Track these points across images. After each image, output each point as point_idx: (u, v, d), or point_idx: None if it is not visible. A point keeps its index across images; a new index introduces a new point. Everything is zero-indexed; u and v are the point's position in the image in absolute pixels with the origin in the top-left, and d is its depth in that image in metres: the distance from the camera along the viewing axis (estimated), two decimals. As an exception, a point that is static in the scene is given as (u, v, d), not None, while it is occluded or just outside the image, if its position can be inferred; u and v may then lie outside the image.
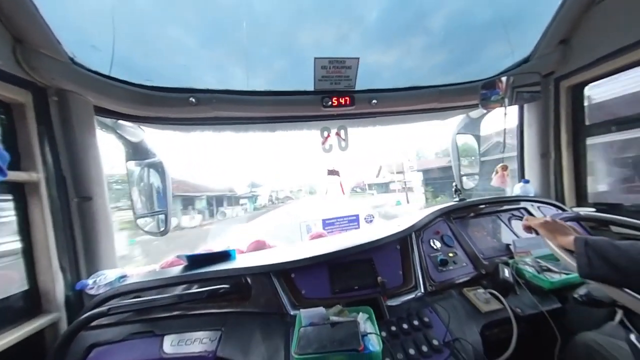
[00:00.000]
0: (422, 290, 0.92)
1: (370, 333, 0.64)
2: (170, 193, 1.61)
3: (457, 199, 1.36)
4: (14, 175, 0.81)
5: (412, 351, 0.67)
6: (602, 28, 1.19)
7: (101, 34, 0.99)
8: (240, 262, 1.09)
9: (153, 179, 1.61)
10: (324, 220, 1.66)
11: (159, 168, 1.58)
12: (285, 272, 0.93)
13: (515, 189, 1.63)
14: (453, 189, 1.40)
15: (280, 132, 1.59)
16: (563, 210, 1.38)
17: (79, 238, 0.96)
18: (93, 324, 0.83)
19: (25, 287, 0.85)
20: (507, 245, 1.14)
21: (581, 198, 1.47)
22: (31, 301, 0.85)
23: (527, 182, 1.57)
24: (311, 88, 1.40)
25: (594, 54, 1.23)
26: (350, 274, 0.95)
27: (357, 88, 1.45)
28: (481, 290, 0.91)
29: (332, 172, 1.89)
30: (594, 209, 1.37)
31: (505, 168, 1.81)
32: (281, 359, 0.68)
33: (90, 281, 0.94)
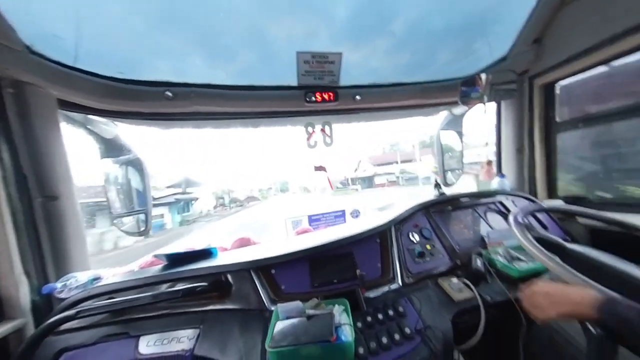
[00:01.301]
0: (400, 282, 0.94)
1: (344, 324, 0.66)
2: (150, 191, 1.55)
3: (437, 193, 1.41)
4: (-35, 174, 0.75)
5: (385, 340, 0.69)
6: (572, 27, 1.25)
7: (63, 20, 0.92)
8: (222, 259, 1.08)
9: (131, 176, 1.54)
10: (310, 216, 1.67)
11: (137, 165, 1.52)
12: (265, 268, 0.93)
13: (492, 183, 1.70)
14: (433, 184, 1.44)
15: (263, 128, 1.56)
16: (534, 202, 1.45)
17: (45, 240, 0.91)
18: (62, 328, 0.80)
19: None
20: (482, 237, 1.19)
21: (552, 191, 1.56)
22: (-8, 307, 0.80)
23: (503, 176, 1.64)
24: (294, 83, 1.38)
25: (565, 53, 1.29)
26: (330, 268, 0.96)
27: (341, 84, 1.45)
28: (455, 280, 0.95)
29: (319, 169, 1.89)
30: (562, 202, 1.45)
31: (490, 163, 1.88)
32: (257, 354, 0.69)
33: (59, 284, 0.89)
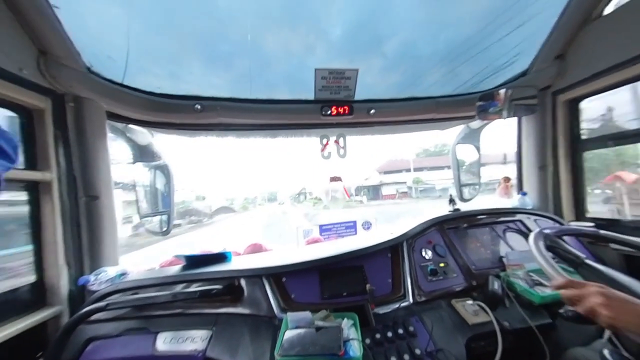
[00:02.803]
0: (411, 300, 0.92)
1: (352, 339, 0.66)
2: (174, 195, 1.67)
3: (451, 209, 1.37)
4: (29, 174, 0.88)
5: (393, 359, 0.68)
6: (598, 44, 1.22)
7: (116, 44, 1.08)
8: (235, 264, 1.12)
9: (158, 180, 1.68)
10: (320, 226, 1.68)
11: (164, 170, 1.65)
12: (277, 275, 0.96)
13: (513, 201, 1.63)
14: (448, 199, 1.41)
15: (280, 139, 1.64)
16: (561, 224, 1.37)
17: (85, 235, 1.02)
18: (92, 318, 0.87)
19: (33, 280, 0.90)
20: (500, 258, 1.14)
21: (580, 212, 1.45)
22: (37, 293, 0.90)
23: (524, 194, 1.56)
24: (311, 97, 1.46)
25: (590, 70, 1.25)
26: (340, 280, 0.96)
27: (356, 98, 1.50)
28: (470, 302, 0.91)
29: (334, 179, 1.92)
30: (592, 224, 1.35)
31: (507, 180, 1.81)
32: (267, 359, 0.70)
33: (92, 277, 0.98)
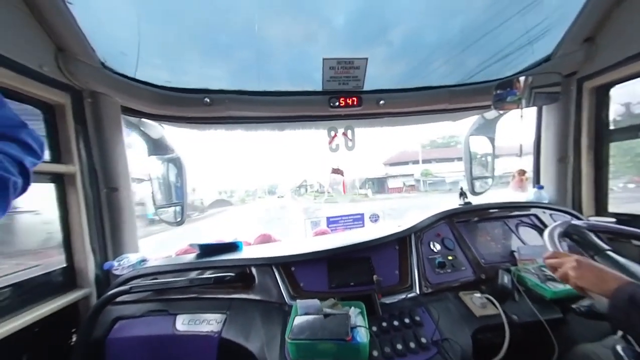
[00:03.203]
0: (417, 291, 0.94)
1: (359, 326, 0.69)
2: (186, 187, 1.73)
3: (462, 203, 1.35)
4: (55, 167, 0.94)
5: (399, 346, 0.70)
6: (632, 25, 1.11)
7: (127, 39, 1.09)
8: (246, 253, 1.17)
9: (172, 173, 1.73)
10: (328, 218, 1.70)
11: (177, 163, 1.71)
12: (286, 265, 0.99)
13: (527, 194, 1.57)
14: (459, 192, 1.38)
15: (288, 131, 1.64)
16: (579, 219, 1.31)
17: (107, 224, 1.09)
18: (118, 300, 0.95)
19: (64, 265, 0.98)
20: (512, 252, 1.12)
21: (601, 207, 1.39)
22: (68, 277, 0.99)
23: (541, 187, 1.50)
24: (319, 88, 1.44)
25: (623, 53, 1.15)
26: (347, 270, 0.99)
27: (365, 88, 1.47)
28: (478, 295, 0.91)
29: (336, 172, 1.92)
30: (614, 220, 1.29)
31: (522, 173, 1.73)
32: (277, 344, 0.75)
33: (115, 263, 1.06)
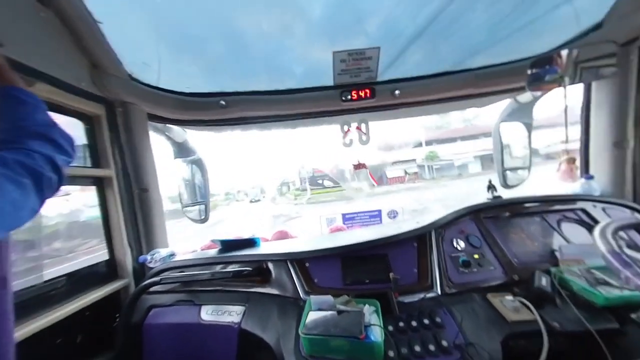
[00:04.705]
0: (439, 291, 0.88)
1: (373, 324, 0.66)
2: (208, 186, 1.84)
3: (490, 197, 1.22)
4: (95, 172, 1.06)
5: (417, 348, 0.67)
6: None
7: (149, 50, 1.18)
8: (264, 249, 1.21)
9: (195, 174, 1.86)
10: (343, 215, 1.68)
11: (199, 164, 1.82)
12: (301, 260, 1.00)
13: (574, 186, 1.37)
14: (487, 185, 1.26)
15: (300, 129, 1.64)
16: None
17: (140, 222, 1.20)
18: (151, 290, 1.05)
19: (107, 258, 1.11)
20: (553, 252, 0.99)
21: (672, 198, 1.16)
22: (110, 268, 1.11)
23: (590, 177, 1.30)
24: (331, 83, 1.41)
25: None
26: (362, 267, 0.96)
27: (379, 79, 1.40)
28: (510, 298, 0.82)
29: (358, 167, 1.88)
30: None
31: (572, 161, 1.47)
32: (292, 337, 0.76)
33: (149, 256, 1.17)
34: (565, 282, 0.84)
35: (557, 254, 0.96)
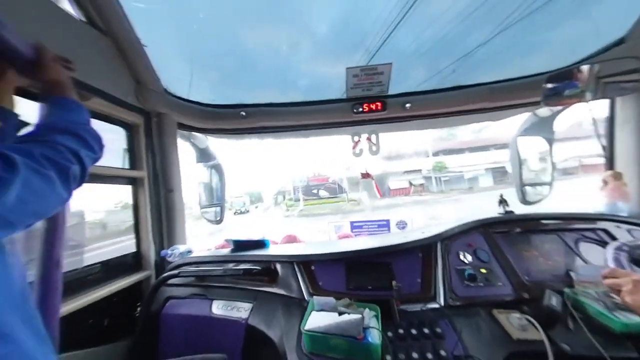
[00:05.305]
0: (442, 302, 0.88)
1: (372, 327, 0.69)
2: (225, 190, 1.96)
3: (502, 212, 1.20)
4: (132, 173, 1.20)
5: (415, 355, 0.67)
6: None
7: (182, 66, 1.35)
8: (272, 250, 1.27)
9: (213, 178, 1.99)
10: (352, 223, 1.71)
11: (218, 169, 1.96)
12: (307, 263, 1.05)
13: (619, 205, 1.25)
14: (498, 200, 1.23)
15: (312, 138, 1.73)
16: None
17: (164, 219, 1.32)
18: (169, 282, 1.14)
19: (134, 250, 1.23)
20: (568, 272, 0.95)
21: None
22: (136, 260, 1.23)
23: (614, 196, 1.23)
24: (343, 95, 1.49)
25: None
26: (366, 274, 0.99)
27: (391, 92, 1.45)
28: (517, 315, 0.80)
29: (365, 176, 1.91)
30: None
31: (618, 177, 1.28)
32: (295, 334, 0.80)
33: (169, 251, 1.28)
34: (580, 304, 0.81)
35: (573, 274, 0.92)
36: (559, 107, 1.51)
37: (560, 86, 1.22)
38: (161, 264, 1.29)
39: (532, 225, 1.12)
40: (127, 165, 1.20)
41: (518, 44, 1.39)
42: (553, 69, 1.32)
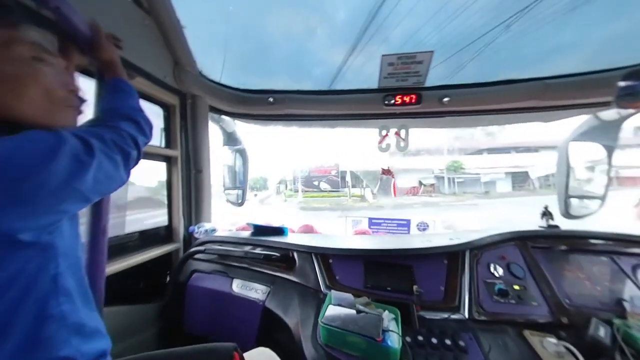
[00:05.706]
0: (466, 315, 0.83)
1: (392, 331, 0.67)
2: (247, 174, 2.02)
3: (544, 225, 1.08)
4: (167, 152, 1.27)
5: None
6: None
7: (216, 51, 1.35)
8: (291, 238, 1.29)
9: (237, 161, 2.05)
10: (370, 219, 1.67)
11: (243, 153, 2.01)
12: (325, 256, 1.05)
13: None
14: (541, 212, 1.11)
15: (339, 129, 1.68)
16: None
17: (193, 197, 1.40)
18: (195, 257, 1.22)
19: (166, 224, 1.33)
20: (620, 301, 0.84)
21: None
22: (168, 232, 1.33)
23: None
24: (374, 85, 1.40)
25: None
26: (386, 274, 0.96)
27: (427, 84, 1.34)
28: (553, 340, 0.73)
29: (386, 172, 1.84)
30: None
31: None
32: (311, 324, 0.81)
33: (196, 228, 1.36)
34: (632, 339, 0.71)
35: (627, 304, 0.81)
36: (631, 110, 1.29)
37: (638, 85, 1.03)
38: (189, 238, 1.38)
39: (580, 243, 0.99)
40: (163, 144, 1.27)
41: (590, 33, 1.18)
42: (629, 64, 1.11)
